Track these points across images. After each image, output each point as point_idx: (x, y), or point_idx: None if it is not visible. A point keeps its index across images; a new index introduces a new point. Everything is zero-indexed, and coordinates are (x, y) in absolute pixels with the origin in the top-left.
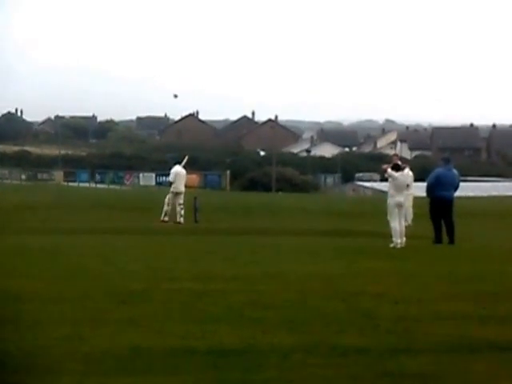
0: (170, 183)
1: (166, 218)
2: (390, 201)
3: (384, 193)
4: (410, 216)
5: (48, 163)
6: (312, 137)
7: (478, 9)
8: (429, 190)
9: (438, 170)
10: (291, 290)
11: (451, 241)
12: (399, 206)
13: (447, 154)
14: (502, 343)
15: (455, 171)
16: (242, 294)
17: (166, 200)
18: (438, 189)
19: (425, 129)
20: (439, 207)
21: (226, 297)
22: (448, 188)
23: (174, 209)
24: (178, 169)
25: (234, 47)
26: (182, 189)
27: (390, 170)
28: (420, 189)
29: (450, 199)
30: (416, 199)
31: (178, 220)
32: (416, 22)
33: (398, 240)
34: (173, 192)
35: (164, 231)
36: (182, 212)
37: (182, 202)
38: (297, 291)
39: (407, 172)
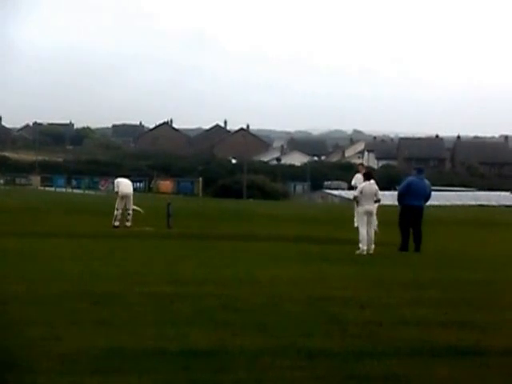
0: (116, 192)
1: (117, 223)
2: (360, 209)
3: (351, 201)
4: (375, 223)
5: (26, 168)
6: (282, 146)
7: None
8: (399, 198)
9: (410, 179)
10: (261, 294)
11: (417, 249)
12: (368, 213)
13: (421, 165)
14: (463, 348)
15: (427, 181)
16: (213, 298)
17: (116, 205)
18: (408, 197)
19: (391, 139)
20: (409, 215)
21: (197, 300)
22: (418, 197)
23: (123, 213)
24: (120, 179)
25: (207, 56)
26: (127, 191)
27: (359, 186)
28: (385, 197)
29: (420, 208)
30: (381, 207)
31: (125, 224)
32: (384, 33)
33: (365, 247)
34: (119, 196)
35: (137, 236)
36: (129, 217)
37: (129, 207)
38: (266, 295)
39: (373, 182)
